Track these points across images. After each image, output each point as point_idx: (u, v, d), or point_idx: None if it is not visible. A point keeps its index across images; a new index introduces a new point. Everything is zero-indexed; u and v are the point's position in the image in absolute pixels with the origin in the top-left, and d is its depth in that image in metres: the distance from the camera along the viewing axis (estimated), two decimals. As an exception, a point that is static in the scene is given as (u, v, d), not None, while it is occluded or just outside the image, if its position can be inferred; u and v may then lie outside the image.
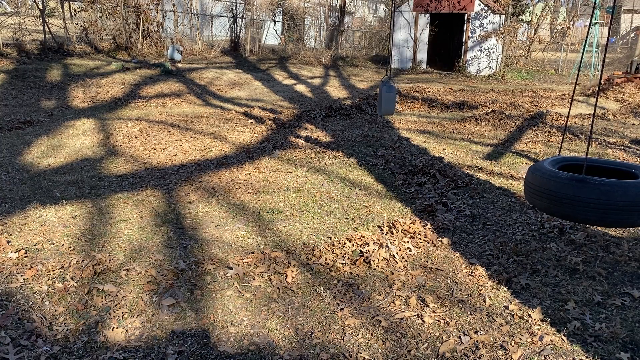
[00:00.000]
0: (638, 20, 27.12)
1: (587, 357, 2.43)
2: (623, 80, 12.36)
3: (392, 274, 3.19)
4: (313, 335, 2.58)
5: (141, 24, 13.79)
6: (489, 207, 4.36)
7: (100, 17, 13.77)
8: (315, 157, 5.79)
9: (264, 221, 3.97)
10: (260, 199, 4.43)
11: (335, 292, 2.96)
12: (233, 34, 16.72)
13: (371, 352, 2.46)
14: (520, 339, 2.55)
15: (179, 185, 4.74)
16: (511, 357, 2.41)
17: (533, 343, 2.53)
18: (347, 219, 4.07)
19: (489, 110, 9.03)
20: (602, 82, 12.54)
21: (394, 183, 4.98)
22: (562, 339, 2.55)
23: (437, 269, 3.28)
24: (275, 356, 2.41)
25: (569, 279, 3.14)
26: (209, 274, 3.10)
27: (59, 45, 12.35)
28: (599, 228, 3.81)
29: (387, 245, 3.45)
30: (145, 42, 13.96)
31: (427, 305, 2.84)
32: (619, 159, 6.02)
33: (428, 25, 17.25)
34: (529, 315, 2.74)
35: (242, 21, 16.98)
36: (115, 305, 2.74)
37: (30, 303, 2.73)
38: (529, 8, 19.47)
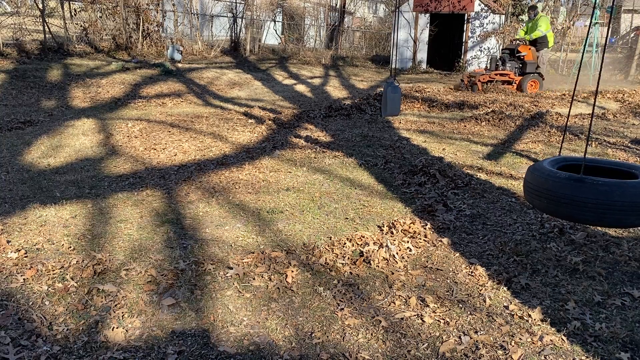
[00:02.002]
0: (638, 20, 27.12)
1: (587, 357, 2.43)
2: (485, 78, 11.63)
3: (392, 274, 3.19)
4: (313, 335, 2.58)
5: (141, 24, 13.79)
6: (489, 207, 4.36)
7: (100, 17, 13.77)
8: (315, 157, 5.79)
9: (264, 221, 3.97)
10: (260, 199, 4.43)
11: (335, 292, 2.96)
12: (233, 34, 16.72)
13: (371, 352, 2.46)
14: (520, 338, 2.55)
15: (179, 185, 4.74)
16: (511, 357, 2.41)
17: (533, 343, 2.53)
18: (347, 219, 4.07)
19: (489, 110, 9.02)
20: (465, 80, 11.83)
21: (394, 183, 4.98)
22: (562, 339, 2.55)
23: (437, 269, 3.28)
24: (275, 356, 2.41)
25: (569, 279, 3.14)
26: (209, 274, 3.10)
27: (59, 45, 12.35)
28: (599, 228, 3.81)
29: (387, 245, 3.45)
30: (145, 42, 13.96)
31: (427, 305, 2.84)
32: (619, 159, 6.02)
33: (428, 25, 17.25)
34: (529, 315, 2.74)
35: (242, 21, 16.97)
36: (115, 305, 2.74)
37: (30, 303, 2.73)
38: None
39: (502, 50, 12.66)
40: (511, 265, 3.33)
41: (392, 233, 3.73)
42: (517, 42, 12.28)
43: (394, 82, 7.85)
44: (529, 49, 11.89)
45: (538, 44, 12.03)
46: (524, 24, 12.95)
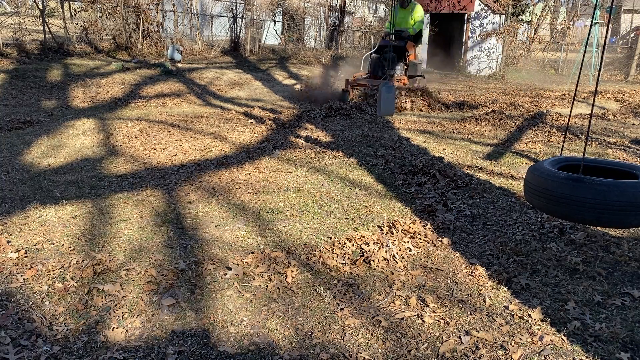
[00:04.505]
0: (638, 20, 27.13)
1: (587, 357, 2.43)
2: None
3: (392, 274, 3.19)
4: (313, 335, 2.58)
5: (141, 24, 13.78)
6: (489, 207, 4.36)
7: (100, 17, 13.76)
8: (315, 157, 5.79)
9: (264, 221, 3.97)
10: (260, 199, 4.43)
11: (335, 292, 2.96)
12: (233, 34, 16.71)
13: (371, 352, 2.46)
14: (520, 338, 2.55)
15: (179, 185, 4.74)
16: (511, 357, 2.41)
17: (533, 343, 2.53)
18: (347, 219, 4.07)
19: (489, 110, 9.03)
20: (350, 90, 9.44)
21: (394, 183, 4.98)
22: (562, 339, 2.55)
23: (437, 269, 3.29)
24: (275, 356, 2.41)
25: (569, 279, 3.14)
26: (209, 274, 3.10)
27: (59, 45, 12.34)
28: (599, 228, 3.81)
29: (387, 245, 3.45)
30: (145, 42, 13.95)
31: (427, 305, 2.84)
32: (619, 159, 6.03)
33: (428, 25, 17.25)
34: (529, 315, 2.74)
35: (242, 21, 16.97)
36: (115, 305, 2.74)
37: (30, 303, 2.73)
38: (529, 8, 19.48)
39: (383, 49, 9.79)
40: (511, 265, 3.33)
41: (392, 233, 3.73)
42: (398, 35, 9.83)
43: (388, 82, 7.86)
44: (413, 46, 9.90)
45: (415, 39, 10.02)
46: (390, 15, 10.56)
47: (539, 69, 18.19)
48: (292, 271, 3.14)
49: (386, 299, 2.91)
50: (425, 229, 3.82)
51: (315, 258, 3.32)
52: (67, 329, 2.53)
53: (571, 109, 3.39)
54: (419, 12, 9.88)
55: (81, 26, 13.58)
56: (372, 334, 2.60)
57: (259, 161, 5.55)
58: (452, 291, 3.02)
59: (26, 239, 3.49)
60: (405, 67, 9.82)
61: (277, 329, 2.62)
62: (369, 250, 3.38)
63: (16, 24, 12.50)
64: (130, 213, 4.04)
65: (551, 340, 2.54)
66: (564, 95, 11.64)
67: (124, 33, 13.61)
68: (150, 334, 2.54)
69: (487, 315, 2.77)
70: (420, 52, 10.17)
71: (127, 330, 2.55)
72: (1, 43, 11.24)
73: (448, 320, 2.71)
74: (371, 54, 10.04)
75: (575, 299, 2.91)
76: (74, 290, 2.85)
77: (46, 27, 12.26)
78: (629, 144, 6.85)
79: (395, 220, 3.92)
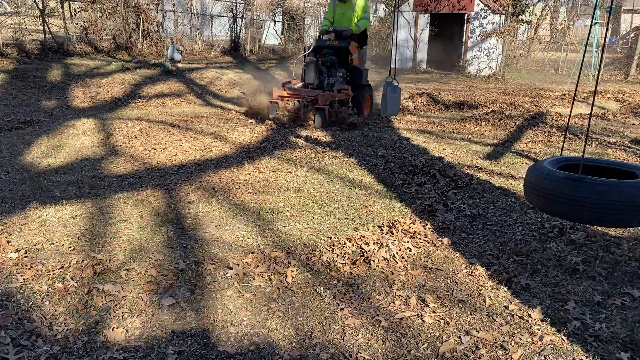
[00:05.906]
0: (638, 20, 27.13)
1: (587, 357, 2.43)
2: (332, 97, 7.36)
3: (392, 273, 3.19)
4: (313, 335, 2.58)
5: (141, 24, 13.78)
6: (489, 207, 4.36)
7: (100, 17, 13.76)
8: (315, 157, 5.79)
9: (264, 221, 3.97)
10: (260, 199, 4.43)
11: (335, 292, 2.96)
12: (233, 34, 16.71)
13: (371, 352, 2.46)
14: (520, 338, 2.55)
15: (179, 185, 4.74)
16: (511, 357, 2.41)
17: (533, 343, 2.53)
18: (347, 218, 4.07)
19: (489, 110, 9.03)
20: (283, 105, 7.52)
21: (394, 183, 4.98)
22: (562, 338, 2.55)
23: (437, 269, 3.28)
24: (275, 356, 2.41)
25: (569, 279, 3.14)
26: (209, 274, 3.10)
27: (59, 45, 12.34)
28: (599, 228, 3.81)
29: (387, 245, 3.45)
30: (145, 42, 13.95)
31: (427, 305, 2.84)
32: (619, 158, 6.03)
33: (428, 25, 17.26)
34: (529, 315, 2.74)
35: (242, 21, 16.97)
36: (115, 305, 2.74)
37: (30, 303, 2.73)
38: (529, 8, 19.48)
39: (320, 50, 8.02)
40: (511, 265, 3.33)
41: (392, 233, 3.73)
42: (338, 35, 8.06)
43: (393, 82, 7.85)
44: (357, 48, 8.16)
45: (359, 39, 8.38)
46: (329, 10, 8.76)
47: (539, 69, 18.19)
48: (292, 271, 3.14)
49: (386, 299, 2.91)
50: (425, 229, 3.82)
51: (315, 258, 3.32)
52: (67, 329, 2.53)
53: (571, 109, 3.39)
54: (362, 7, 8.20)
55: (81, 26, 13.58)
56: (372, 334, 2.59)
57: (259, 161, 5.55)
58: (452, 291, 3.02)
59: (26, 239, 3.48)
60: (348, 73, 8.03)
61: (277, 329, 2.61)
62: (369, 250, 3.38)
63: (16, 24, 12.50)
64: (130, 213, 4.04)
65: (551, 340, 2.53)
66: (564, 95, 11.64)
67: (124, 33, 13.61)
68: (150, 334, 2.54)
69: (487, 315, 2.77)
70: (365, 55, 8.50)
71: (127, 330, 2.55)
72: (1, 43, 11.24)
73: (448, 320, 2.71)
74: (305, 56, 8.23)
75: (575, 299, 2.91)
76: (74, 290, 2.85)
77: (46, 27, 12.26)
78: (629, 144, 6.85)
79: (395, 220, 3.92)
